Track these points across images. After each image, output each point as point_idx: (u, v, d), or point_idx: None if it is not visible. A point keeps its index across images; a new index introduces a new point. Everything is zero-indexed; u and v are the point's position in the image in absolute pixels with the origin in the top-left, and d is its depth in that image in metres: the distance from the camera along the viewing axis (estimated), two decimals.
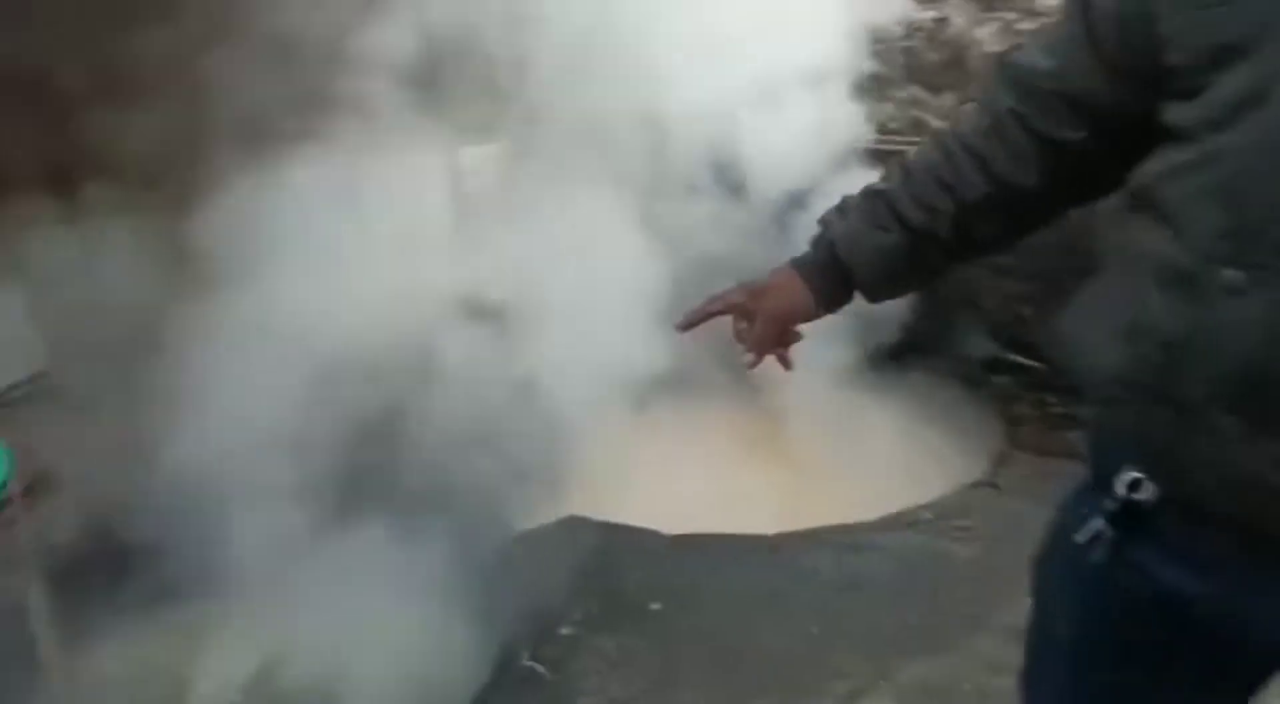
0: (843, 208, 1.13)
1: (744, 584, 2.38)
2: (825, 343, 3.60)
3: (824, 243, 1.13)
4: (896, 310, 3.73)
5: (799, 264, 1.16)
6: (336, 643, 2.53)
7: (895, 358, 3.73)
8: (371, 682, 2.33)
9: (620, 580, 2.41)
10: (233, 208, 2.71)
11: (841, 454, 3.30)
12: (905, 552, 2.48)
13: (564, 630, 2.23)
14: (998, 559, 2.39)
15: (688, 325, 1.23)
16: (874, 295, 1.14)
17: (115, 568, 2.94)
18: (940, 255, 1.08)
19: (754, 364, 1.22)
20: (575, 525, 2.69)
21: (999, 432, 3.26)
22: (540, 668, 2.10)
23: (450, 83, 3.05)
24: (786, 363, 1.24)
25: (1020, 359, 3.60)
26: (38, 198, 3.31)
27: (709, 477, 3.17)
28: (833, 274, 1.13)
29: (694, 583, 2.39)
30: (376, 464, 2.83)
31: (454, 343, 3.44)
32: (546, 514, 2.84)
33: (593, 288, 3.15)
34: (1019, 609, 2.15)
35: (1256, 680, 0.92)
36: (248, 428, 2.68)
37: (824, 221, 1.15)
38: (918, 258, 1.07)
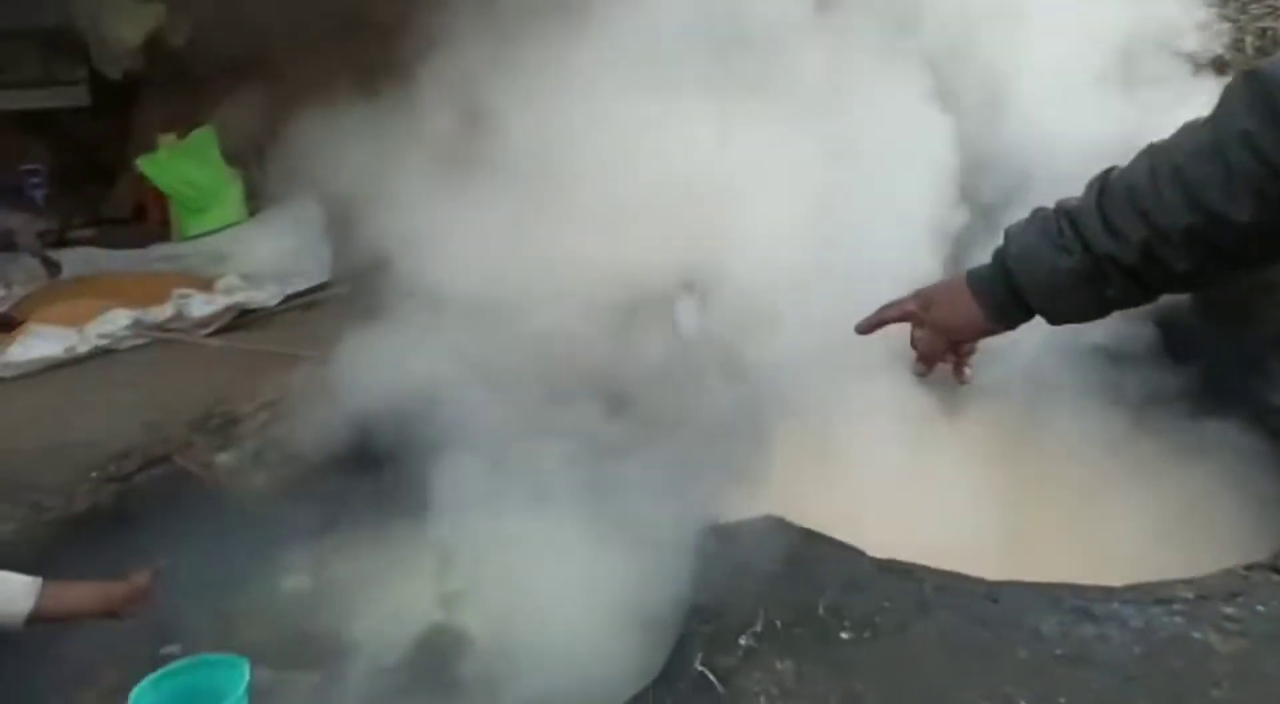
0: (1029, 220, 1.07)
1: (951, 630, 2.14)
2: (1119, 376, 3.23)
3: (1000, 256, 1.09)
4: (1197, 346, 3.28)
5: (971, 276, 1.12)
6: (523, 592, 2.59)
7: (1192, 401, 3.25)
8: (544, 642, 2.35)
9: (812, 597, 2.25)
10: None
11: (1101, 501, 2.93)
12: (1150, 631, 2.13)
13: (743, 641, 2.11)
14: (1267, 664, 2.00)
15: (865, 330, 1.23)
16: (1050, 317, 1.08)
17: (367, 471, 3.17)
18: (1124, 285, 1.01)
19: (923, 373, 1.22)
20: (774, 527, 2.55)
21: None
22: (711, 676, 2.00)
23: None
24: (960, 376, 1.21)
25: None
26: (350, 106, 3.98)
27: (935, 493, 2.91)
28: (1004, 290, 1.09)
29: (894, 618, 2.18)
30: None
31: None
32: (746, 508, 2.73)
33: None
34: None
35: None
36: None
37: (1007, 233, 1.10)
38: (1097, 285, 1.01)
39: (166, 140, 6.94)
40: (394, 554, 3.01)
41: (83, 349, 4.28)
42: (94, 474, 3.00)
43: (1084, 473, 3.05)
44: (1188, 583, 2.31)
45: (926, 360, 1.20)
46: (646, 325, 3.32)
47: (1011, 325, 1.13)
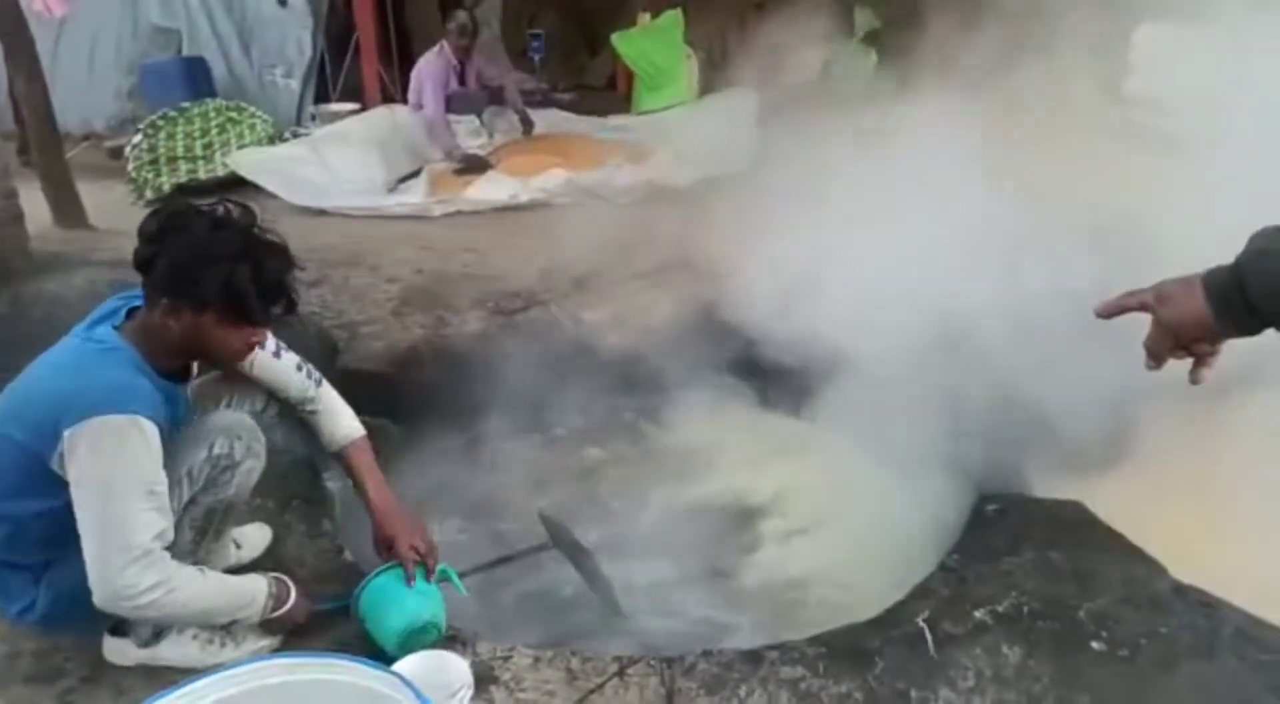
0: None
1: (1231, 682, 1.87)
2: None
3: (1237, 258, 1.06)
4: None
5: (1206, 275, 1.08)
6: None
7: None
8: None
9: (1078, 596, 2.08)
10: None
11: None
12: None
13: (978, 613, 2.04)
14: None
15: (1105, 313, 1.21)
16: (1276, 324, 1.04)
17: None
18: None
19: (1152, 368, 1.17)
20: (1067, 513, 2.37)
21: None
22: (929, 635, 1.98)
23: None
24: (1195, 375, 1.16)
25: None
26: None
27: None
28: (1234, 294, 1.05)
29: (1168, 647, 1.95)
30: None
31: None
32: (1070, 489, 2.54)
33: None
34: None
35: None
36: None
37: (1251, 236, 1.06)
38: None
39: (642, 19, 7.56)
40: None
41: (523, 198, 5.02)
42: (489, 305, 3.60)
43: None
44: None
45: (1154, 356, 1.15)
46: None
47: (1239, 330, 1.07)
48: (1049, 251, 3.25)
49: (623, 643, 2.19)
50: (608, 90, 8.65)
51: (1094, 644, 1.96)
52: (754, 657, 1.94)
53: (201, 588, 1.75)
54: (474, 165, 5.43)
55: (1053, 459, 2.69)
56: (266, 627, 1.93)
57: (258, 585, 1.88)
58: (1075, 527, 2.33)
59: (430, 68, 5.69)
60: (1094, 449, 2.61)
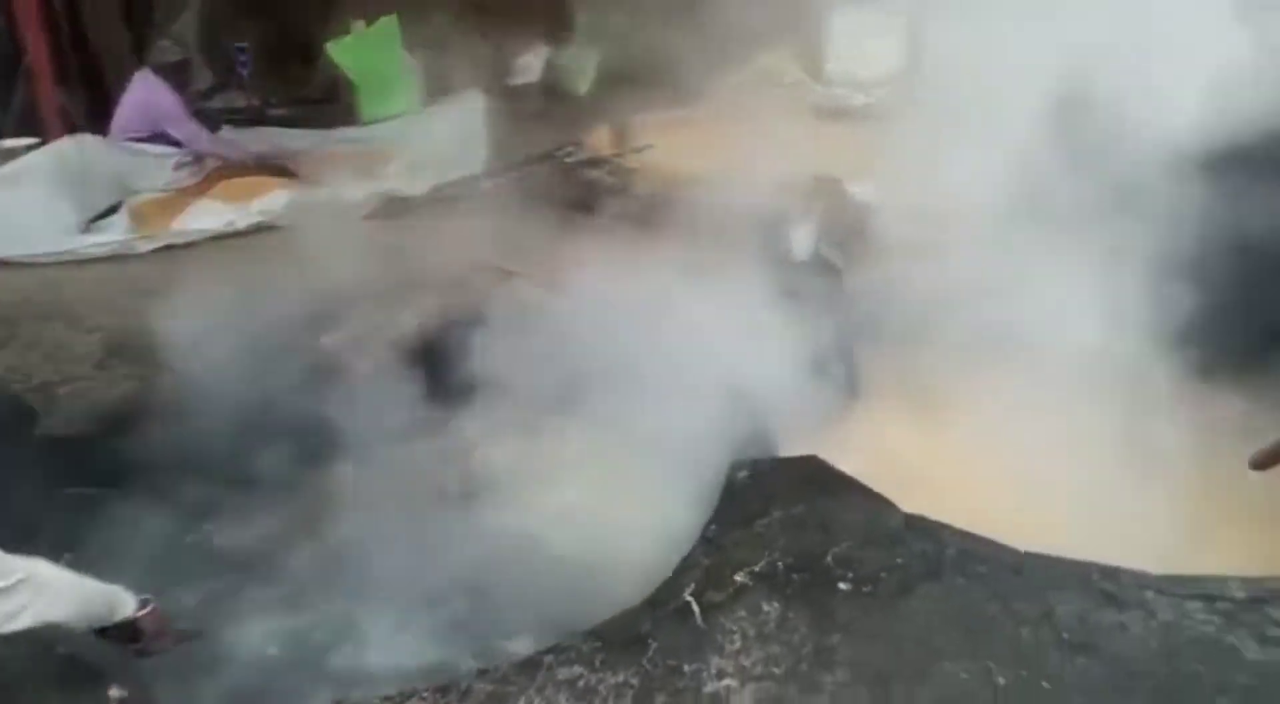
0: None
1: (958, 598, 2.08)
2: None
3: None
4: None
5: None
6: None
7: None
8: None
9: (825, 545, 2.24)
10: None
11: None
12: (1177, 628, 1.98)
13: (739, 577, 2.14)
14: None
15: (1261, 465, 1.08)
16: None
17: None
18: None
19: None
20: (809, 468, 2.53)
21: None
22: (696, 607, 2.05)
23: None
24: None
25: None
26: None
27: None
28: None
29: (902, 577, 2.14)
30: None
31: None
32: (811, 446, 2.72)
33: None
34: None
35: None
36: None
37: None
38: None
39: (356, 26, 7.29)
40: None
41: (242, 224, 4.71)
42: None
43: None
44: (1246, 581, 2.12)
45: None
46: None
47: None
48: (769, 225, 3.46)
49: (394, 679, 2.12)
50: (329, 102, 8.28)
51: (841, 585, 2.11)
52: (531, 665, 1.93)
53: None
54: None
55: (789, 418, 2.88)
56: None
57: None
58: (815, 480, 2.49)
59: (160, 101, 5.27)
60: (821, 403, 2.81)
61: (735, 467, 2.53)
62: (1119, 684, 1.84)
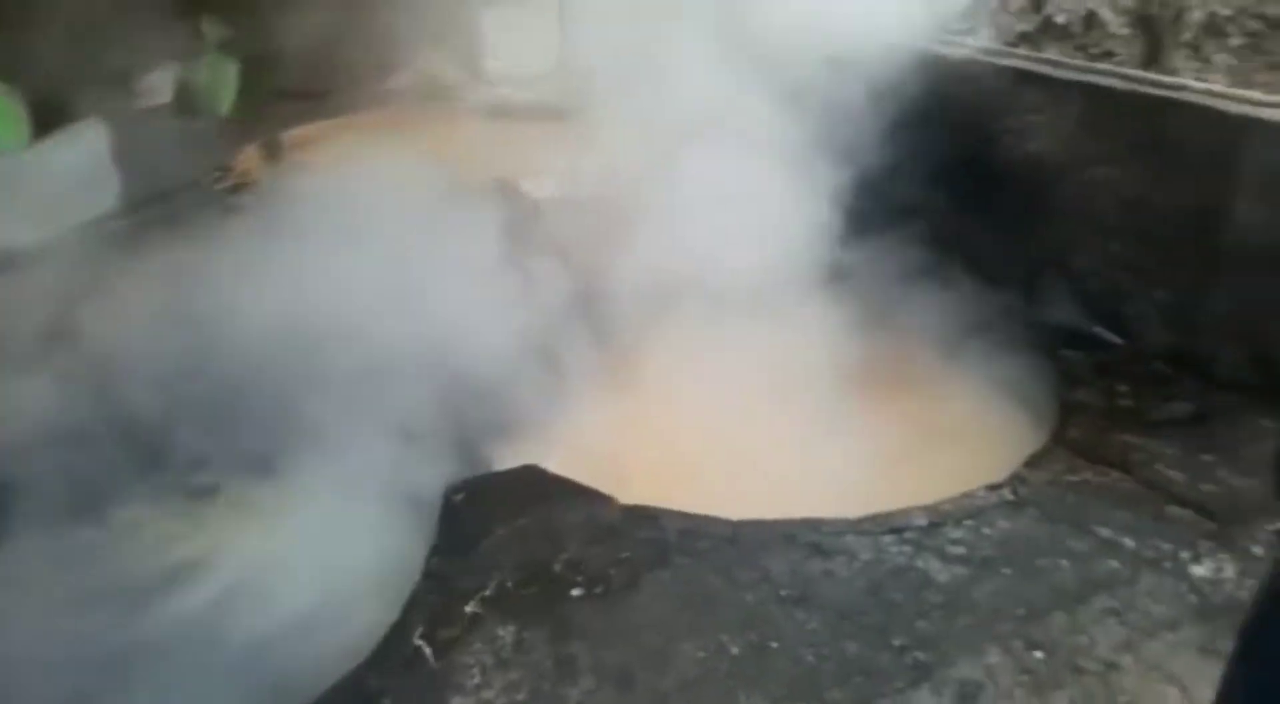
0: None
1: (685, 579, 2.13)
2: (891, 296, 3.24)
3: None
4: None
5: None
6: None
7: (968, 320, 3.28)
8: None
9: (552, 554, 2.21)
10: None
11: (870, 422, 2.95)
12: (877, 564, 2.16)
13: (469, 607, 2.05)
14: (978, 591, 2.06)
15: None
16: None
17: None
18: None
19: None
20: (527, 478, 2.49)
21: (1051, 421, 2.82)
22: (428, 650, 1.94)
23: None
24: None
25: (1102, 332, 3.11)
26: None
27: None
28: None
29: (630, 570, 2.15)
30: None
31: None
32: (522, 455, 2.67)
33: None
34: (976, 664, 1.85)
35: None
36: None
37: None
38: None
39: None
40: None
41: None
42: None
43: (858, 393, 3.07)
44: (925, 510, 2.35)
45: None
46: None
47: None
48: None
49: None
50: None
51: (574, 591, 2.09)
52: None
53: None
54: None
55: (500, 431, 2.83)
56: None
57: None
58: (535, 488, 2.46)
59: None
60: (529, 409, 2.78)
61: (451, 490, 2.43)
62: (835, 627, 1.97)
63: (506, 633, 1.97)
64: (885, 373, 3.14)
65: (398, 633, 2.00)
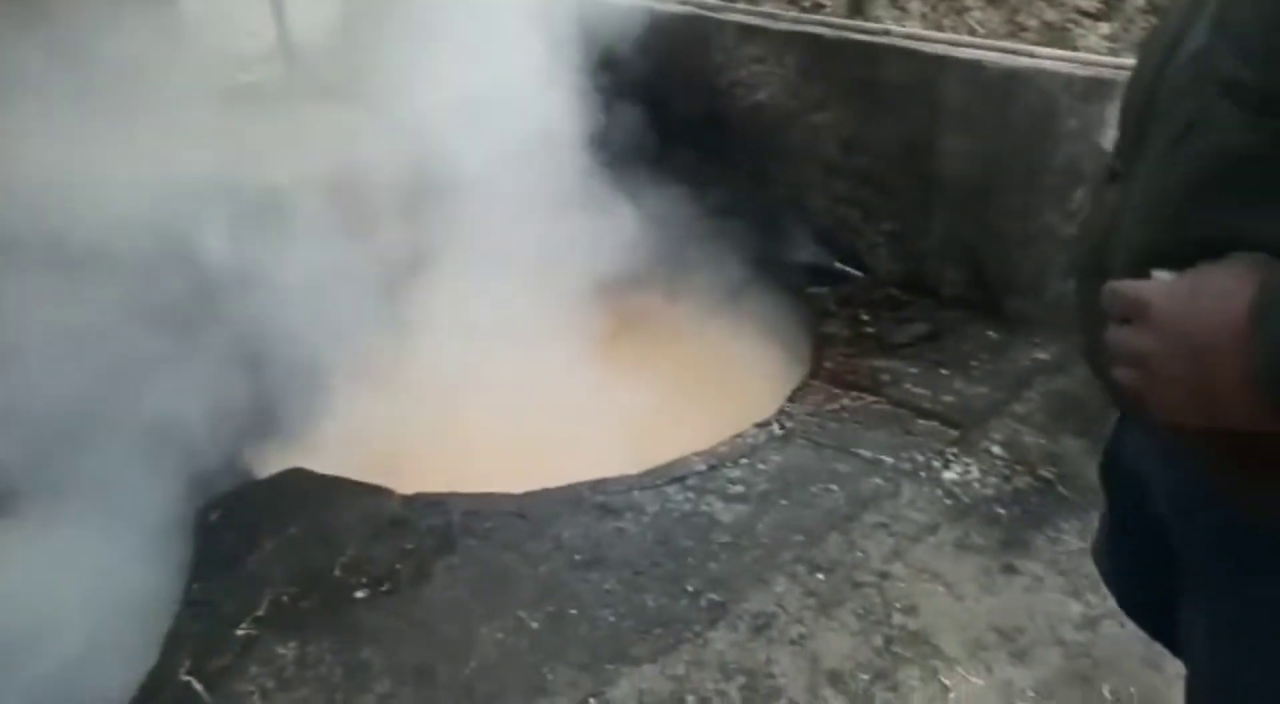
0: None
1: (475, 561, 2.06)
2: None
3: None
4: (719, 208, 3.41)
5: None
6: None
7: (715, 263, 3.39)
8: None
9: (328, 558, 2.07)
10: None
11: (646, 379, 2.98)
12: (664, 515, 2.19)
13: (241, 630, 1.88)
14: (760, 526, 2.13)
15: None
16: None
17: None
18: None
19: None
20: (293, 482, 2.32)
21: (807, 356, 2.98)
22: (198, 685, 1.76)
23: None
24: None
25: (843, 267, 3.30)
26: None
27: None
28: None
29: (416, 562, 2.06)
30: None
31: None
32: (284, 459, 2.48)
33: None
34: (766, 595, 1.92)
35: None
36: None
37: None
38: None
39: None
40: None
41: None
42: None
43: (625, 347, 3.10)
44: (704, 455, 2.41)
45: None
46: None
47: None
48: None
49: None
50: None
51: (358, 594, 1.97)
52: None
53: None
54: None
55: (260, 436, 2.62)
56: None
57: None
58: (304, 492, 2.30)
59: None
60: (289, 411, 2.60)
61: (205, 508, 2.22)
62: (631, 583, 1.97)
63: (287, 651, 1.83)
64: (649, 324, 3.19)
65: (162, 671, 1.80)
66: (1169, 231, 0.69)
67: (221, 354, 2.65)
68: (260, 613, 1.92)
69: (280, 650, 1.83)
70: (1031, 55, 2.57)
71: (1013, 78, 2.58)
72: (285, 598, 1.96)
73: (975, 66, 2.66)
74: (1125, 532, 1.04)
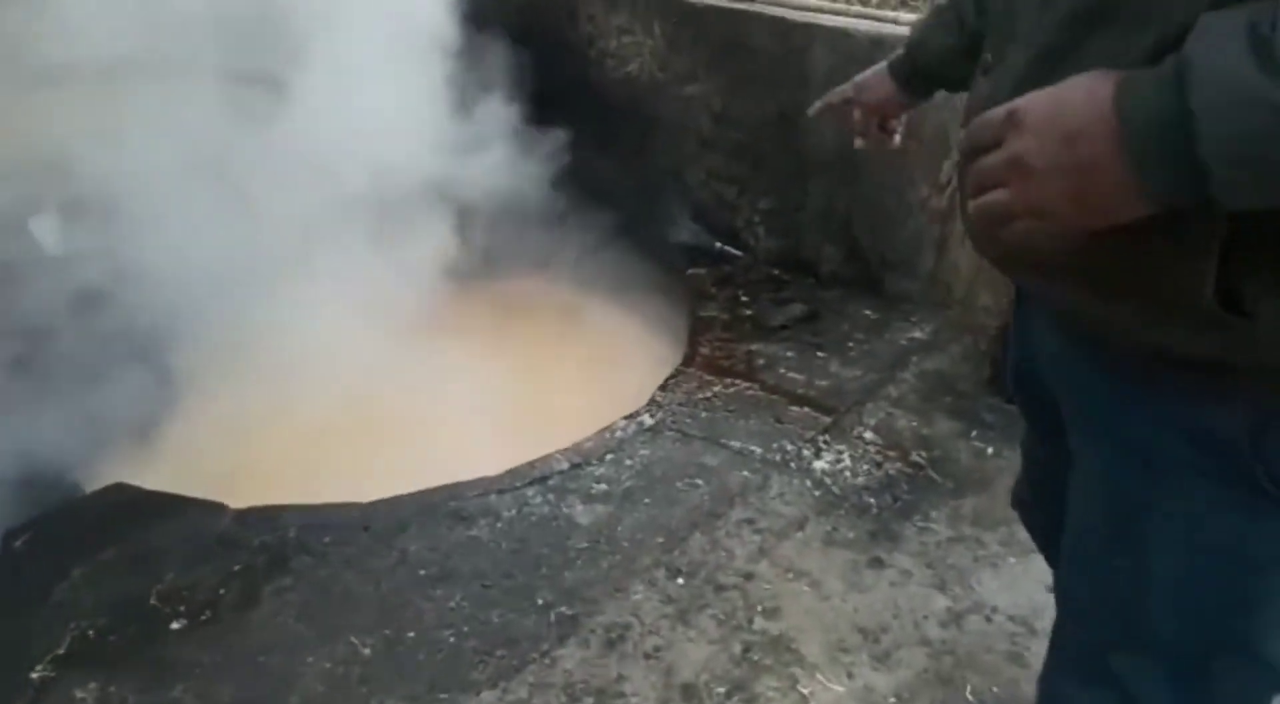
0: (930, 11, 1.30)
1: (308, 582, 1.89)
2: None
3: (906, 44, 1.28)
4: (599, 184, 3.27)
5: (890, 62, 1.30)
6: None
7: (598, 240, 3.25)
8: None
9: (145, 585, 1.88)
10: None
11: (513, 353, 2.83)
12: (520, 520, 2.05)
13: (36, 673, 1.69)
14: (621, 528, 2.01)
15: (817, 112, 1.44)
16: (950, 87, 1.24)
17: None
18: None
19: (860, 147, 1.41)
20: (112, 502, 2.12)
21: (683, 339, 2.86)
22: None
23: None
24: (889, 141, 1.38)
25: (723, 246, 3.19)
26: None
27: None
28: (910, 70, 1.27)
29: (243, 585, 1.88)
30: None
31: None
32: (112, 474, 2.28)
33: None
34: (620, 607, 1.80)
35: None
36: None
37: (913, 25, 1.36)
38: (975, 59, 1.02)
39: None
40: None
41: None
42: None
43: (499, 333, 2.95)
44: (568, 452, 2.28)
45: (861, 134, 1.37)
46: None
47: (921, 98, 1.31)
48: None
49: None
50: None
51: (174, 625, 1.79)
52: None
53: None
54: None
55: (79, 452, 2.40)
56: None
57: None
58: (124, 511, 2.10)
59: None
60: (113, 423, 2.38)
61: (9, 536, 2.00)
62: (479, 599, 1.83)
63: (87, 694, 1.64)
64: (520, 311, 3.04)
65: None
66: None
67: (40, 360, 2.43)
68: (61, 651, 1.72)
69: (79, 694, 1.64)
70: (896, 23, 2.48)
71: (880, 46, 2.48)
72: (91, 632, 1.77)
73: (842, 35, 2.55)
74: (1040, 442, 1.13)
